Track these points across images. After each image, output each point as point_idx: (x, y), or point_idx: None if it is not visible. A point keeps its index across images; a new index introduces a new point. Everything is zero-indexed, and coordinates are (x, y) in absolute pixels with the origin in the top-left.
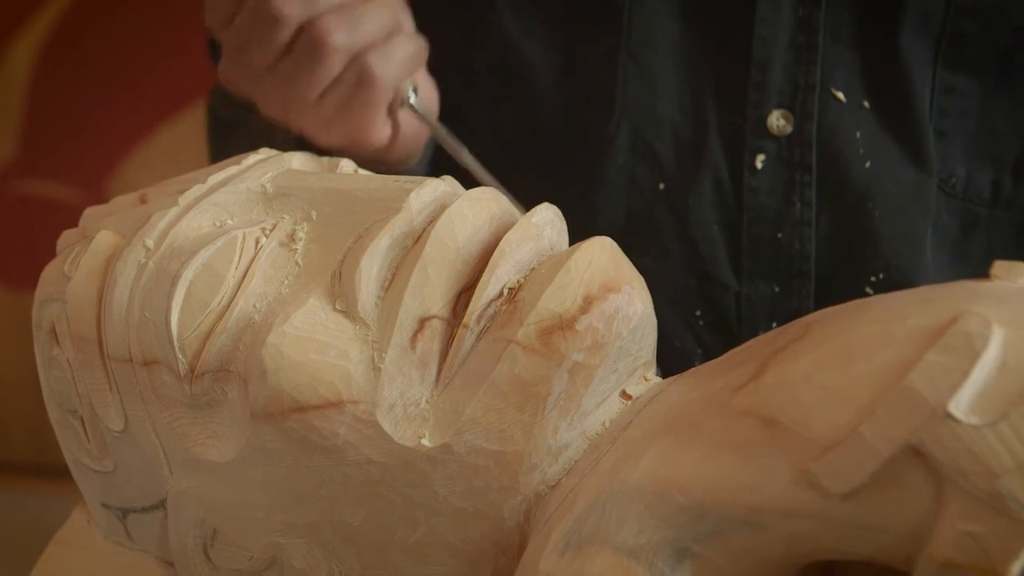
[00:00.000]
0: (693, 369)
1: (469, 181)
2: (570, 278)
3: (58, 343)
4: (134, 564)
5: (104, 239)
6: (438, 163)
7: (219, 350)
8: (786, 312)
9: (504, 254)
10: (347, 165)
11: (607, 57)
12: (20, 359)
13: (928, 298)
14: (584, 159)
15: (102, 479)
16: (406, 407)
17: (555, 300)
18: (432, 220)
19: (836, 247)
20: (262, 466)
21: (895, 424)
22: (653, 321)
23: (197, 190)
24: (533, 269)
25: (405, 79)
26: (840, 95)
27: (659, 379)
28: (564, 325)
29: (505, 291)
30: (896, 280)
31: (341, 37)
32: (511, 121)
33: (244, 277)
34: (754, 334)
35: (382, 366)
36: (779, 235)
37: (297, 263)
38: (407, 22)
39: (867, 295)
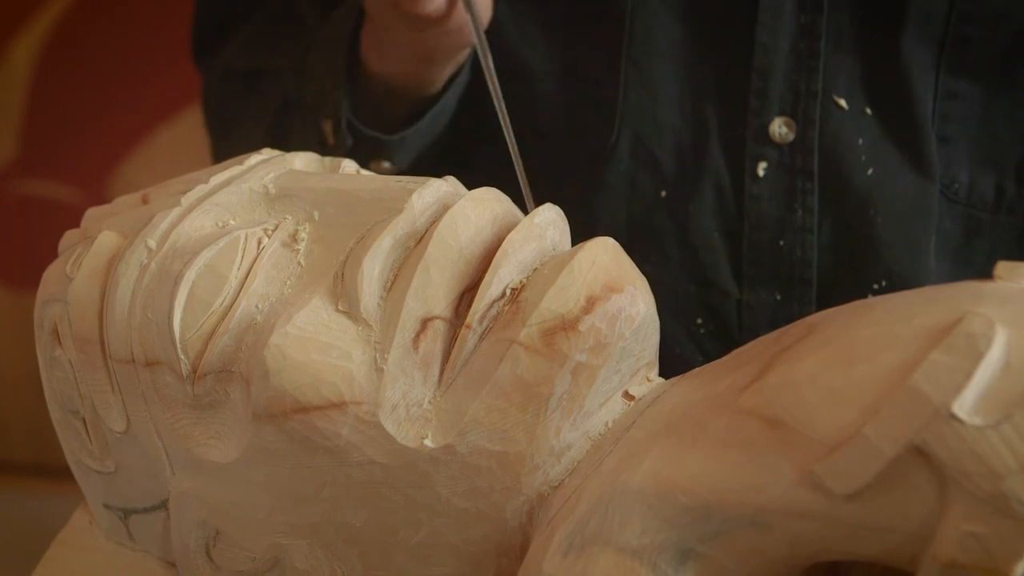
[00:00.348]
0: (696, 369)
1: (470, 182)
2: (573, 278)
3: (60, 344)
4: (136, 565)
5: (106, 239)
6: (444, 159)
7: (221, 351)
8: (788, 319)
9: (507, 254)
10: (349, 166)
11: (608, 63)
12: (20, 359)
13: (931, 299)
14: (585, 165)
15: (104, 480)
16: (408, 408)
17: (558, 300)
18: (435, 220)
19: (838, 254)
20: (264, 467)
21: (899, 425)
22: (656, 321)
23: (199, 190)
24: (536, 269)
25: None
26: (842, 102)
27: (662, 380)
28: (567, 325)
29: (508, 291)
30: (898, 287)
31: None
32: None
33: (246, 278)
34: None
35: (384, 367)
36: (780, 242)
37: (299, 264)
38: None
39: None
